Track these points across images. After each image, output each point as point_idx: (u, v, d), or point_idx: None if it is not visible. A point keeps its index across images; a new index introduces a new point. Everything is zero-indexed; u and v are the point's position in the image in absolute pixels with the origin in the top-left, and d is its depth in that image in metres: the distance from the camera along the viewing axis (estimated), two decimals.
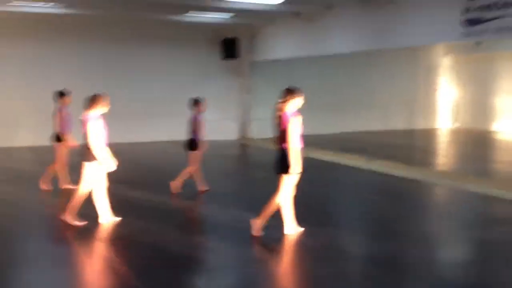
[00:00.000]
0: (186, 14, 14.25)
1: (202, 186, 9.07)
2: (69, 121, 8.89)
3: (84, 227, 6.77)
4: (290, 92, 6.19)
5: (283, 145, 6.14)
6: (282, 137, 6.16)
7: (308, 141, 6.98)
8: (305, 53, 14.53)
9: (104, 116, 6.86)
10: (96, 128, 6.69)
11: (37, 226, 7.19)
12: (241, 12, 13.79)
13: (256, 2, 12.27)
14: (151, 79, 16.89)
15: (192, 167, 8.93)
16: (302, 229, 6.62)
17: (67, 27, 15.57)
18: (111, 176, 7.09)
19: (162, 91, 16.94)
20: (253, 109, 17.34)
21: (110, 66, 16.37)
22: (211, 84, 17.17)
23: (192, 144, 8.81)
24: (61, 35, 15.72)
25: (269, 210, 6.36)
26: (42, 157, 12.20)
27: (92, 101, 6.81)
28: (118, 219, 7.11)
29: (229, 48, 16.28)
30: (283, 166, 6.16)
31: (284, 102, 6.14)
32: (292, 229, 6.54)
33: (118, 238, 6.57)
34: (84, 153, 6.77)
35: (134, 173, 10.82)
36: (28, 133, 15.14)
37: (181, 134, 16.31)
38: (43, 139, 10.49)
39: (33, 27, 15.25)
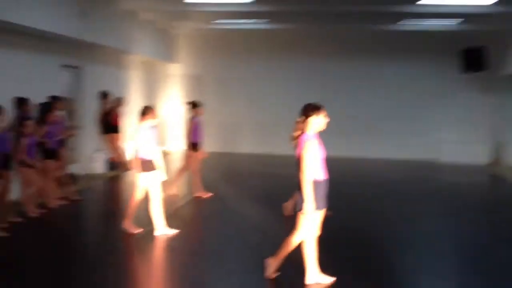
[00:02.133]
0: (400, 23, 12.98)
1: (199, 191, 9.51)
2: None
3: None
4: (311, 108, 5.03)
5: (299, 175, 4.99)
6: (298, 165, 5.01)
7: None
8: None
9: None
10: (148, 138, 6.81)
11: None
12: (471, 17, 11.78)
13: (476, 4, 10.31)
14: (375, 95, 16.01)
15: (186, 168, 9.63)
16: (331, 279, 5.25)
17: (279, 41, 16.09)
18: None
19: (387, 108, 15.93)
20: (508, 131, 14.59)
21: (329, 80, 16.16)
22: (448, 100, 15.40)
23: (193, 146, 9.39)
24: (272, 49, 16.28)
25: (285, 250, 5.23)
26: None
27: (143, 113, 6.87)
28: (175, 231, 6.90)
29: (474, 59, 13.95)
30: (299, 202, 5.04)
31: (303, 121, 5.01)
32: (313, 278, 5.22)
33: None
34: (140, 164, 6.81)
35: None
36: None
37: (407, 153, 15.28)
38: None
39: (242, 42, 16.27)
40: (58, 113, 8.74)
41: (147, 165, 6.79)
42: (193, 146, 9.52)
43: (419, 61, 15.74)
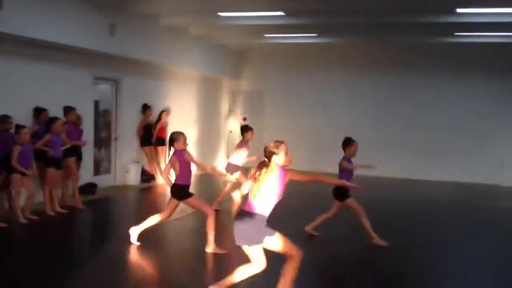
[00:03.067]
0: (456, 34, 12.02)
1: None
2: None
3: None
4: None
5: None
6: None
7: None
8: None
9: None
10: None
11: None
12: None
13: None
14: (434, 112, 15.03)
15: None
16: None
17: (337, 55, 15.69)
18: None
19: (448, 126, 14.92)
20: None
21: (386, 95, 15.50)
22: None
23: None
24: (329, 63, 15.91)
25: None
26: None
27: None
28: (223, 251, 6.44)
29: None
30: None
31: None
32: None
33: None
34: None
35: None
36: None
37: (469, 176, 14.07)
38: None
39: (301, 56, 15.94)
40: (71, 124, 8.98)
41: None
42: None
43: (482, 78, 14.57)
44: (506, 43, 12.96)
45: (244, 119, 17.28)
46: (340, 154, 7.30)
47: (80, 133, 9.34)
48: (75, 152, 9.03)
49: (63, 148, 8.47)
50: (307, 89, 16.24)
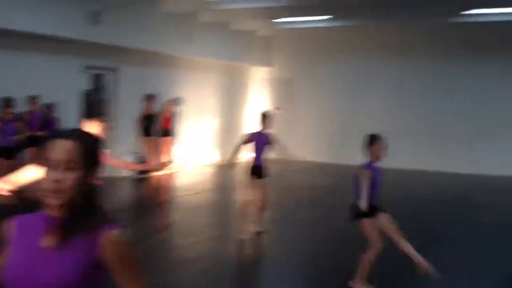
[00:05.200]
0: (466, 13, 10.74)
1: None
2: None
3: None
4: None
5: None
6: None
7: None
8: None
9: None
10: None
11: None
12: None
13: None
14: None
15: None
16: None
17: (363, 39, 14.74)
18: None
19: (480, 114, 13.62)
20: None
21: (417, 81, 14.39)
22: None
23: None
24: (358, 48, 14.97)
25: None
26: None
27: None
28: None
29: None
30: None
31: None
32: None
33: None
34: None
35: None
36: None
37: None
38: None
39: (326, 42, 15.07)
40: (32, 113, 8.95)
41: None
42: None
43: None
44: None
45: (277, 109, 16.68)
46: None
47: (53, 123, 9.28)
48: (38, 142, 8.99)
49: (17, 137, 8.44)
50: (335, 74, 15.40)
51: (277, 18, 12.80)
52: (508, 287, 5.64)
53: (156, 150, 12.33)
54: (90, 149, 1.72)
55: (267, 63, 16.21)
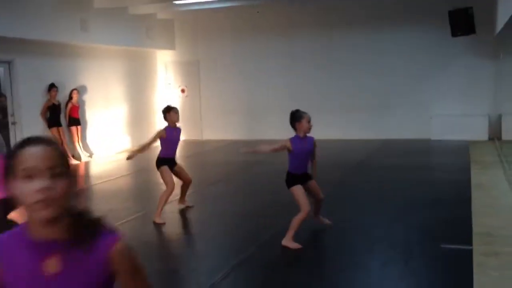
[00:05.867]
0: None
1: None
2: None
3: None
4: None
5: None
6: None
7: None
8: None
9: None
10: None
11: None
12: None
13: None
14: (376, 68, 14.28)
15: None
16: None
17: (270, 18, 15.12)
18: None
19: (379, 83, 14.31)
20: (507, 101, 12.39)
21: (322, 56, 14.81)
22: (447, 68, 13.60)
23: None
24: (263, 27, 15.28)
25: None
26: None
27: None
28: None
29: (461, 21, 11.84)
30: None
31: None
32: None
33: None
34: None
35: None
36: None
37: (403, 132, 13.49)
38: None
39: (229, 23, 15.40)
40: None
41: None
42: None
43: (406, 30, 13.92)
44: None
45: (183, 91, 16.71)
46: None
47: None
48: None
49: None
50: (241, 56, 15.60)
51: (175, 0, 12.73)
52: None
53: (65, 139, 12.09)
54: (63, 154, 1.57)
55: (170, 46, 16.12)
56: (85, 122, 13.10)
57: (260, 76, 15.39)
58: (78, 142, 12.45)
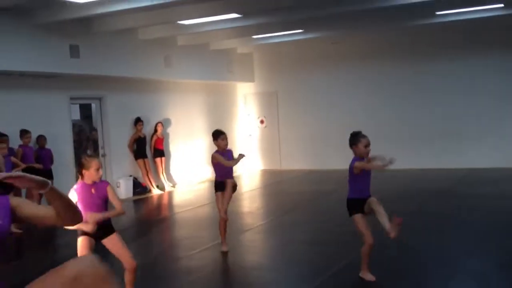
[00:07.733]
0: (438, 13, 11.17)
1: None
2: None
3: None
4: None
5: None
6: None
7: None
8: None
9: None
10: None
11: None
12: None
13: None
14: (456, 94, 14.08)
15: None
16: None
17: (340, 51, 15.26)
18: None
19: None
20: None
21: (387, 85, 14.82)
22: None
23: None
24: (338, 59, 15.51)
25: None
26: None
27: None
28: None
29: None
30: None
31: None
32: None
33: None
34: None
35: None
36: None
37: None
38: None
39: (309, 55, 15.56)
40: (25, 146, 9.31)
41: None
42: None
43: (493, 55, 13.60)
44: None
45: (262, 121, 17.11)
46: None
47: (46, 155, 9.64)
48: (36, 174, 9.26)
49: (14, 171, 8.74)
50: (316, 86, 15.84)
51: (254, 35, 13.20)
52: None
53: (151, 170, 12.75)
54: None
55: (249, 79, 16.64)
56: (169, 154, 13.74)
57: (336, 106, 15.48)
58: (162, 173, 13.06)
